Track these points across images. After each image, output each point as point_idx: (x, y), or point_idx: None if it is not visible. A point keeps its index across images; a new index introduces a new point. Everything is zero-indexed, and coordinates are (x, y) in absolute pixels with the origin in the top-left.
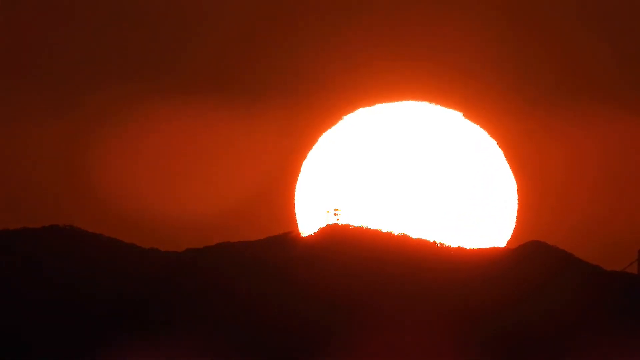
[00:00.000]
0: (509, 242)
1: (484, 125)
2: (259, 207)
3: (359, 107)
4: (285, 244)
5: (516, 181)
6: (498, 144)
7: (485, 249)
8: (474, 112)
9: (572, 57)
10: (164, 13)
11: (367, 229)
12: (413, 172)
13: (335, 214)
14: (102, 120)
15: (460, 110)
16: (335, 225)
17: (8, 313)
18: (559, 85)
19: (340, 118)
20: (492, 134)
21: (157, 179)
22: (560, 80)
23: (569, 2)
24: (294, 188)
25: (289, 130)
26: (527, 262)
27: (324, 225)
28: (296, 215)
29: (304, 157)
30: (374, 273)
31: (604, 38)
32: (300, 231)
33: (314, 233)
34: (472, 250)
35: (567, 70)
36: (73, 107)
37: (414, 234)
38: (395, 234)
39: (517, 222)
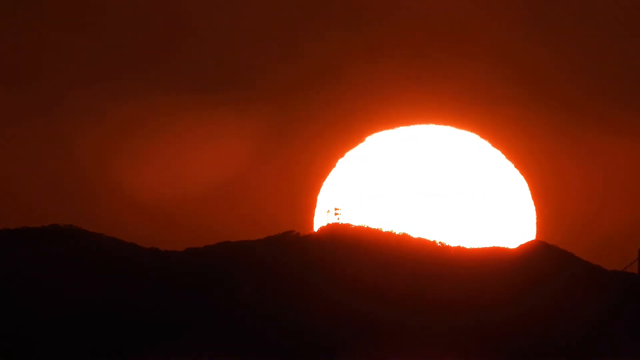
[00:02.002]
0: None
1: (481, 133)
2: (272, 206)
3: (383, 129)
4: (286, 243)
5: (528, 184)
6: (502, 150)
7: (486, 248)
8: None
9: (568, 61)
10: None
11: (367, 228)
12: (430, 181)
13: (336, 214)
14: (103, 121)
15: (471, 129)
16: (336, 224)
17: (8, 313)
18: (558, 90)
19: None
20: (491, 141)
21: (161, 176)
22: (559, 84)
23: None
24: (310, 191)
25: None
26: (528, 262)
27: (325, 224)
28: (314, 214)
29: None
30: (374, 272)
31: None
32: (313, 229)
33: (315, 232)
34: (472, 250)
35: (566, 74)
36: (73, 108)
37: (414, 234)
38: (396, 233)
39: (537, 223)
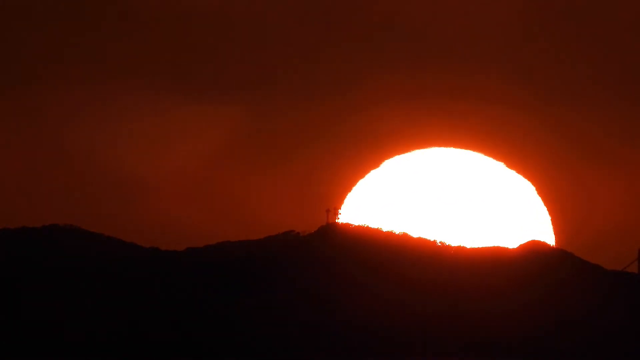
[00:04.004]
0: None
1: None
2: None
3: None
4: (285, 243)
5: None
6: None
7: (486, 248)
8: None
9: (563, 65)
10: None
11: (367, 227)
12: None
13: (336, 213)
14: (103, 121)
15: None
16: (336, 224)
17: (8, 313)
18: (556, 92)
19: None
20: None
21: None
22: (559, 84)
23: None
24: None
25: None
26: (527, 262)
27: (325, 224)
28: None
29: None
30: (374, 272)
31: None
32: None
33: (314, 232)
34: (472, 250)
35: (564, 75)
36: (72, 108)
37: (414, 233)
38: (396, 233)
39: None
